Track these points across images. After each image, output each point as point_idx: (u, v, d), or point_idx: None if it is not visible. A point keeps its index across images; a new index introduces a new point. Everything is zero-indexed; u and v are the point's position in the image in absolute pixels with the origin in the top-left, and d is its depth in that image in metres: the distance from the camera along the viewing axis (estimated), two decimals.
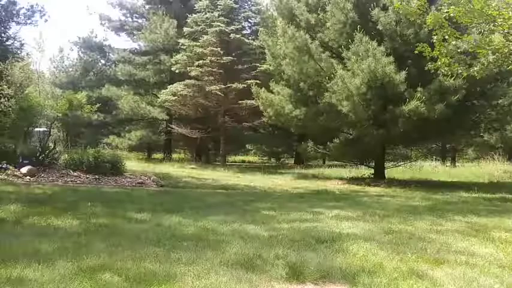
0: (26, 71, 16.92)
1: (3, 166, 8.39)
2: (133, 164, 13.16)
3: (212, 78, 18.74)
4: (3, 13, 14.39)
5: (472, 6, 6.98)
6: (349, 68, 11.10)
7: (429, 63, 8.70)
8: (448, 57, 7.99)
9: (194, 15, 19.59)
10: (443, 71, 8.63)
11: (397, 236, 3.79)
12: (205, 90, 18.32)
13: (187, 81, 18.81)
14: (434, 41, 7.89)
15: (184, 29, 19.74)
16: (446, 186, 11.84)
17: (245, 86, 17.12)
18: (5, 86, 12.11)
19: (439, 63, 8.13)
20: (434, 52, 8.01)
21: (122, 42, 47.01)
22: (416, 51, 8.65)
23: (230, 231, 3.84)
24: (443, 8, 7.38)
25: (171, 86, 19.67)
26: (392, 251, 3.24)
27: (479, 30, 8.61)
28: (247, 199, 6.82)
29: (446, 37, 7.69)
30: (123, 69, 22.22)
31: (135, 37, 23.88)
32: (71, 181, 8.31)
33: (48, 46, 58.77)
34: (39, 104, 11.67)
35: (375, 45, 10.65)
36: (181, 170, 14.32)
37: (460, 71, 8.42)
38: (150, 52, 22.12)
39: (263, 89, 14.76)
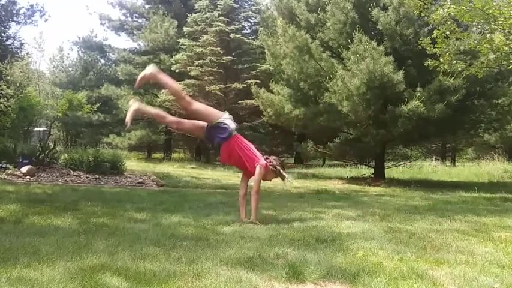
0: (26, 71, 16.93)
1: (3, 166, 8.39)
2: (133, 164, 13.16)
3: (212, 78, 18.75)
4: (3, 13, 14.39)
5: (473, 5, 6.99)
6: (349, 67, 11.11)
7: (429, 60, 8.71)
8: (451, 55, 8.01)
9: (194, 14, 19.60)
10: (443, 68, 8.64)
11: (397, 236, 3.79)
12: (205, 90, 18.33)
13: (187, 80, 18.83)
14: (436, 36, 7.90)
15: (184, 28, 19.75)
16: (446, 186, 11.84)
17: (245, 85, 17.13)
18: (5, 86, 12.12)
19: (441, 59, 8.15)
20: (436, 48, 8.02)
21: (122, 42, 47.24)
22: (419, 47, 8.66)
23: (230, 231, 3.84)
24: (445, 5, 7.39)
25: None
26: (392, 250, 3.23)
27: (480, 29, 8.63)
28: (247, 198, 6.81)
29: (448, 33, 7.70)
30: (124, 69, 22.23)
31: (135, 37, 23.91)
32: (71, 181, 8.32)
33: (48, 46, 58.79)
34: (39, 103, 11.67)
35: (374, 45, 10.65)
36: (181, 169, 14.32)
37: (460, 69, 8.44)
38: (150, 52, 22.14)
39: (263, 88, 14.76)
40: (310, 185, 10.79)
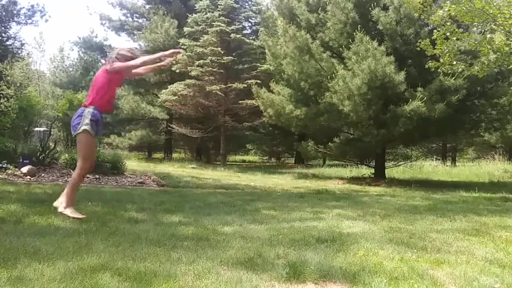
0: (26, 71, 16.94)
1: (4, 166, 8.38)
2: (133, 164, 13.16)
3: (212, 78, 18.75)
4: (4, 13, 14.40)
5: (472, 6, 6.98)
6: (349, 67, 11.11)
7: (429, 61, 8.71)
8: (451, 56, 8.00)
9: (194, 15, 19.60)
10: (444, 69, 8.63)
11: (398, 236, 3.79)
12: (206, 90, 18.33)
13: (188, 81, 18.83)
14: (436, 37, 7.88)
15: (185, 28, 19.76)
16: (446, 185, 11.84)
17: (245, 85, 17.13)
18: (5, 86, 12.13)
19: (442, 60, 8.13)
20: (436, 49, 8.00)
21: (122, 42, 47.15)
22: (418, 48, 8.65)
23: (230, 231, 3.84)
24: (445, 5, 7.39)
25: (171, 85, 19.69)
26: (393, 250, 3.23)
27: (480, 30, 8.62)
28: (248, 198, 6.81)
29: (448, 34, 7.69)
30: None
31: (135, 37, 23.90)
32: None
33: (49, 46, 58.86)
34: (39, 103, 11.69)
35: (375, 45, 10.65)
36: (182, 169, 14.32)
37: (460, 70, 8.43)
38: (150, 52, 22.06)
39: (263, 89, 14.77)
40: (311, 185, 10.78)
